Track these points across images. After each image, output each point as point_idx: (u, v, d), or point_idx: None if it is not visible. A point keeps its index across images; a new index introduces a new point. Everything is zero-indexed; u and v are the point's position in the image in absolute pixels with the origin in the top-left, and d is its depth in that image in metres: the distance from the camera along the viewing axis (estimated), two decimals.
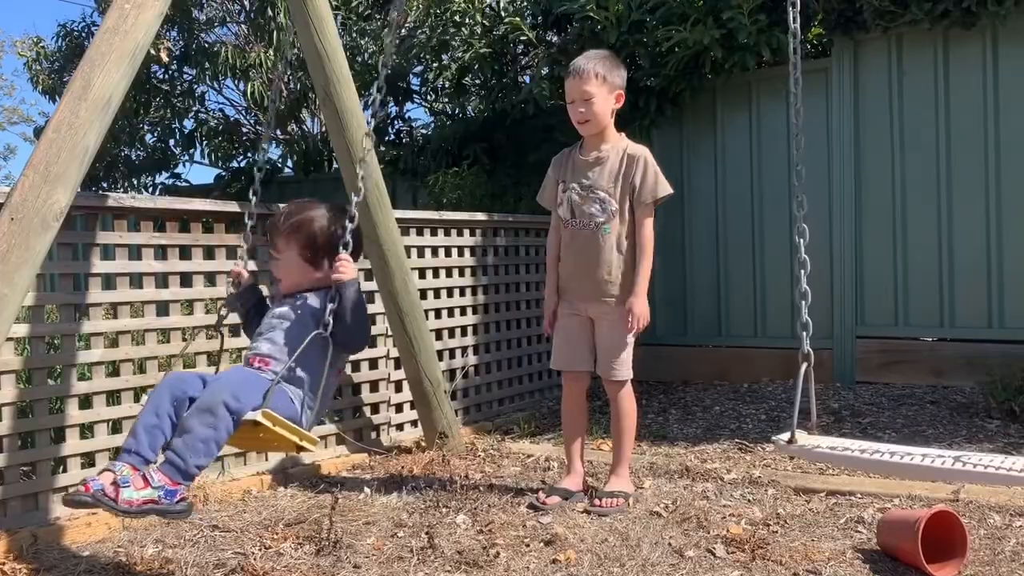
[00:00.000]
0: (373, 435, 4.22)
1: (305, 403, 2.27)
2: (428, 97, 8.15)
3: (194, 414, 2.01)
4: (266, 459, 3.74)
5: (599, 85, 3.09)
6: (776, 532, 2.84)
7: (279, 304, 2.44)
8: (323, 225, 2.43)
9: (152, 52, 2.43)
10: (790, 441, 2.05)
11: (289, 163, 9.54)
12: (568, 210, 3.21)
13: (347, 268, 2.30)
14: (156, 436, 2.06)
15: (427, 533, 2.87)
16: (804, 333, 2.09)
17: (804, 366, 2.06)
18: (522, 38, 5.97)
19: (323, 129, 9.01)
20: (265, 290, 2.82)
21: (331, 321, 2.21)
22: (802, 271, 2.15)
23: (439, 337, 4.52)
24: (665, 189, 3.14)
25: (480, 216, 4.95)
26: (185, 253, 3.52)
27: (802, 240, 2.16)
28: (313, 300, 2.36)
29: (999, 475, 1.80)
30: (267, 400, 2.09)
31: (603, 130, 3.17)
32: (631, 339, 3.20)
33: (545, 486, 3.39)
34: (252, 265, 2.96)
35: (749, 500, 3.20)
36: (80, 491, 1.93)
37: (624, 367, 3.19)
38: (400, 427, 4.37)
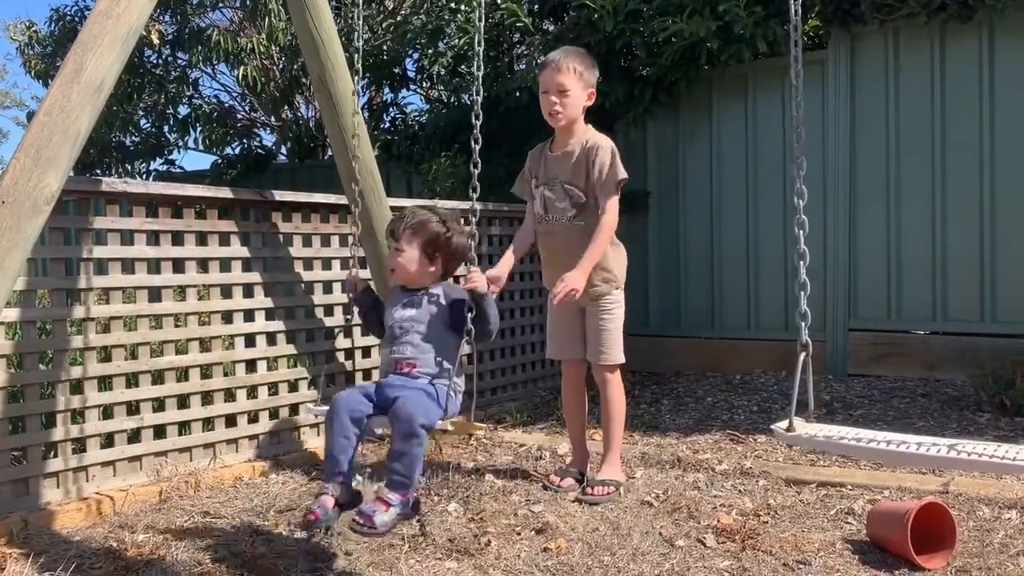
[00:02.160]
0: None
1: (456, 391, 2.60)
2: (423, 84, 8.12)
3: (401, 439, 2.32)
4: (257, 445, 3.74)
5: (575, 80, 3.10)
6: (766, 523, 2.86)
7: (399, 305, 2.64)
8: (442, 228, 2.69)
9: (144, 35, 2.41)
10: (788, 429, 2.06)
11: (283, 150, 9.50)
12: (542, 206, 3.23)
13: (480, 279, 2.55)
14: (348, 454, 2.43)
15: (418, 521, 2.87)
16: (803, 323, 2.10)
17: (803, 355, 2.07)
18: (518, 24, 5.94)
19: (317, 115, 8.98)
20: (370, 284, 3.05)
21: (473, 328, 2.50)
22: (801, 262, 2.15)
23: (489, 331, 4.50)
24: (619, 174, 3.10)
25: (475, 205, 4.93)
26: (178, 239, 3.51)
27: (802, 232, 2.16)
28: (431, 300, 2.61)
29: (998, 464, 1.81)
30: (447, 410, 2.49)
31: (572, 124, 3.17)
32: (619, 324, 3.21)
33: (559, 469, 3.42)
34: (364, 273, 3.18)
35: (740, 491, 3.21)
36: (355, 522, 2.27)
37: (613, 351, 3.21)
38: None
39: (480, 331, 2.53)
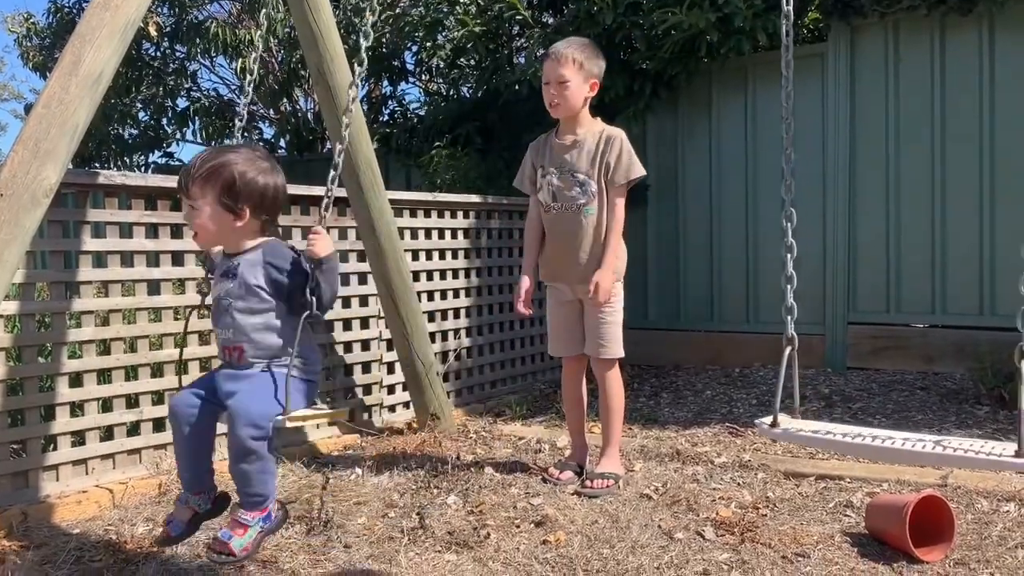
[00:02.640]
0: (365, 416, 4.21)
1: (304, 375, 2.19)
2: (423, 77, 8.10)
3: (236, 460, 2.05)
4: None
5: (575, 71, 3.10)
6: (765, 515, 2.86)
7: (218, 275, 2.19)
8: (241, 169, 2.10)
9: (141, 27, 2.40)
10: (772, 424, 2.06)
11: (282, 142, 9.48)
12: (549, 194, 3.22)
13: (322, 242, 2.09)
14: (197, 462, 2.22)
15: (418, 514, 2.87)
16: (789, 317, 2.10)
17: (788, 350, 2.07)
18: (517, 18, 5.92)
19: (315, 107, 8.96)
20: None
21: (314, 301, 2.07)
22: (788, 255, 2.15)
23: (432, 319, 4.52)
24: (638, 171, 3.15)
25: (474, 198, 4.94)
26: (177, 232, 3.50)
27: (790, 224, 2.16)
28: (247, 270, 2.11)
29: (978, 459, 1.82)
30: (287, 404, 2.07)
31: (576, 115, 3.17)
32: (618, 318, 3.22)
33: (558, 462, 3.43)
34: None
35: (739, 484, 3.22)
36: (211, 550, 2.07)
37: (613, 345, 3.21)
38: (392, 408, 4.37)
39: (322, 304, 2.08)
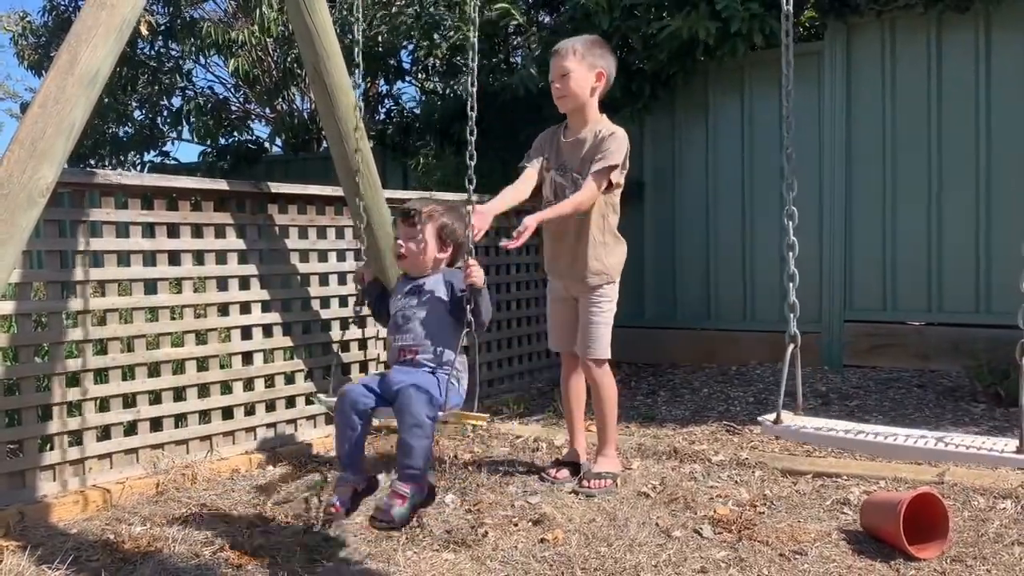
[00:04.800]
0: None
1: (459, 380, 2.58)
2: (419, 76, 8.09)
3: (405, 431, 2.36)
4: (254, 438, 3.74)
5: (577, 61, 3.10)
6: (763, 513, 2.87)
7: (402, 294, 2.66)
8: (451, 219, 2.67)
9: (134, 25, 2.40)
10: (776, 421, 2.07)
11: (278, 141, 9.46)
12: (551, 191, 3.23)
13: (479, 274, 2.49)
14: (356, 445, 2.50)
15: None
16: (791, 315, 2.11)
17: (791, 347, 2.07)
18: (513, 23, 5.94)
19: (312, 106, 8.95)
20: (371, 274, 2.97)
21: (472, 320, 2.46)
22: (790, 254, 2.16)
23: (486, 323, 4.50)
24: (614, 159, 3.06)
25: (471, 198, 4.92)
26: (173, 231, 3.50)
27: (791, 223, 2.17)
28: (433, 288, 2.59)
29: (981, 455, 1.83)
30: (447, 400, 2.46)
31: (584, 109, 3.16)
32: (608, 319, 3.21)
33: (555, 460, 3.43)
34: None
35: (736, 481, 3.22)
36: (374, 518, 2.34)
37: (599, 346, 3.21)
38: None
39: (476, 324, 2.51)
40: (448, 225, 2.64)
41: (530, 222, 2.91)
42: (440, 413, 2.40)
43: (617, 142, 3.10)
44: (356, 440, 2.49)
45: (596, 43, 3.17)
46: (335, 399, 2.54)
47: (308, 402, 3.95)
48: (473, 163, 2.63)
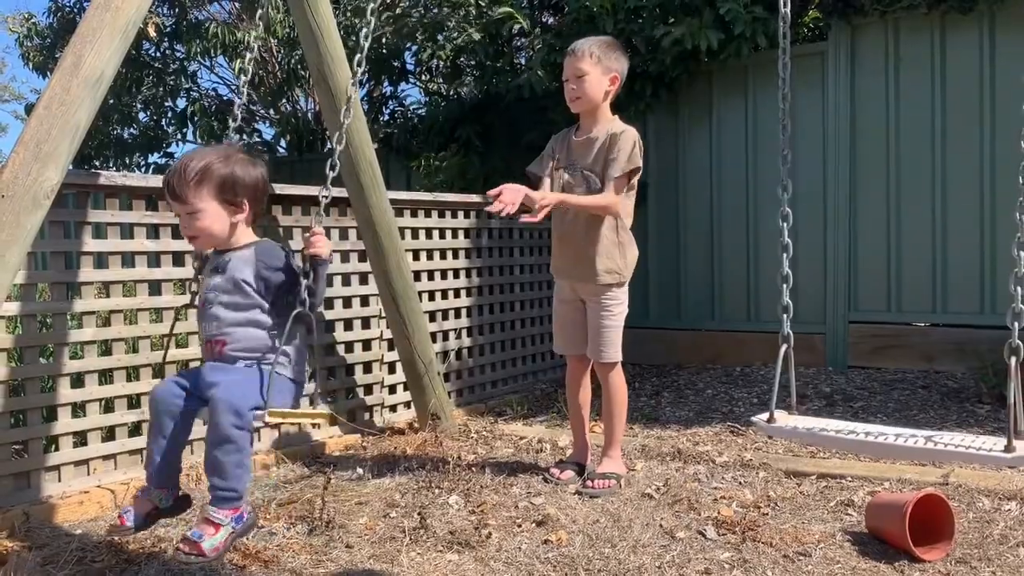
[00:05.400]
0: (366, 416, 4.22)
1: (295, 376, 2.19)
2: (423, 77, 8.10)
3: (213, 446, 2.00)
4: (258, 439, 3.74)
5: (593, 64, 3.10)
6: (767, 514, 2.86)
7: (208, 270, 2.19)
8: (227, 167, 2.12)
9: (140, 27, 2.40)
10: (769, 420, 2.07)
11: (282, 142, 9.48)
12: (559, 189, 3.23)
13: (323, 243, 2.10)
14: (169, 454, 2.13)
15: (419, 514, 2.88)
16: (785, 316, 2.12)
17: (784, 347, 2.08)
18: (516, 26, 5.95)
19: (316, 107, 8.96)
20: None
21: (307, 299, 2.06)
22: (784, 255, 2.16)
23: (432, 319, 4.52)
24: (634, 163, 3.08)
25: (475, 198, 4.94)
26: (177, 232, 3.49)
27: (785, 224, 2.18)
28: (238, 265, 2.11)
29: (968, 454, 1.84)
30: (268, 398, 2.04)
31: (596, 111, 3.17)
32: (619, 321, 3.21)
33: (559, 461, 3.43)
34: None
35: (740, 483, 3.22)
36: (179, 550, 1.99)
37: (611, 349, 3.21)
38: (393, 408, 4.37)
39: (311, 303, 2.07)
40: (228, 176, 2.09)
41: (552, 199, 2.94)
42: (261, 414, 2.02)
43: (632, 143, 3.11)
44: (167, 448, 2.11)
45: (612, 46, 3.18)
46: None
47: (312, 403, 3.94)
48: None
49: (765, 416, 2.09)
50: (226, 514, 2.01)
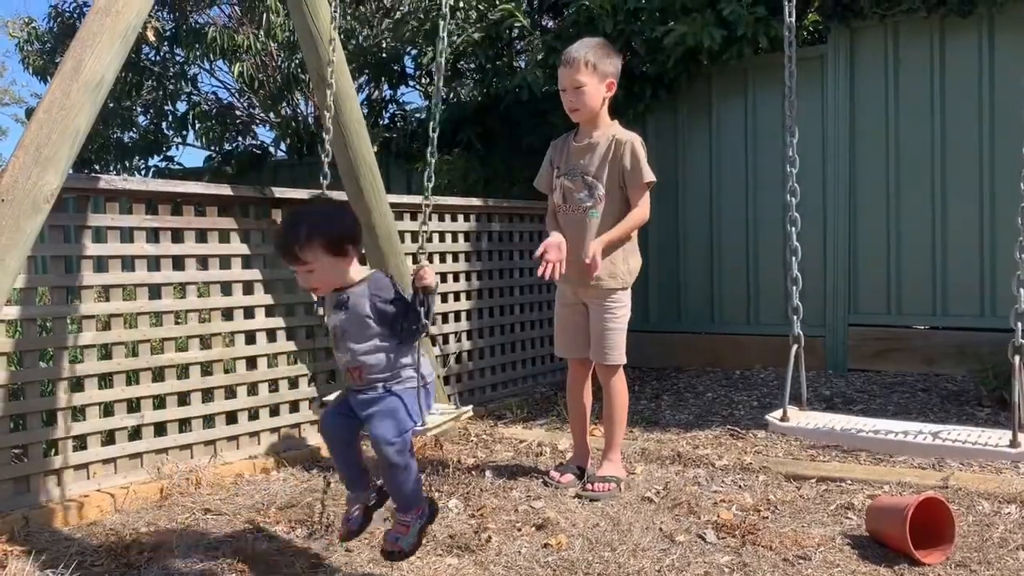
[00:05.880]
0: None
1: (427, 384, 2.41)
2: (423, 80, 8.10)
3: (385, 473, 2.33)
4: (258, 443, 3.74)
5: (590, 74, 3.10)
6: (767, 518, 2.86)
7: (332, 306, 2.41)
8: (335, 217, 2.42)
9: (140, 31, 2.42)
10: (783, 419, 2.08)
11: (282, 146, 9.48)
12: (560, 196, 3.24)
13: (431, 276, 2.34)
14: (354, 465, 2.48)
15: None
16: (795, 317, 2.13)
17: (795, 348, 2.10)
18: (516, 25, 5.95)
19: (316, 111, 8.96)
20: None
21: (423, 323, 2.31)
22: (793, 258, 2.18)
23: (432, 322, 4.51)
24: (649, 176, 3.18)
25: (475, 201, 4.94)
26: (178, 236, 3.51)
27: (794, 228, 2.19)
28: (356, 303, 2.35)
29: (975, 449, 1.84)
30: (421, 412, 2.33)
31: (595, 117, 3.18)
32: (622, 324, 3.22)
33: (559, 465, 3.43)
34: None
35: (740, 486, 3.22)
36: (384, 552, 2.39)
37: (615, 352, 3.21)
38: None
39: (421, 326, 2.32)
40: (331, 235, 2.31)
41: (596, 247, 3.01)
42: (418, 427, 2.32)
43: (644, 153, 3.17)
44: (350, 461, 2.46)
45: (605, 50, 3.18)
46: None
47: (312, 406, 3.95)
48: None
49: (778, 415, 2.10)
50: (412, 516, 2.37)
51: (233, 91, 9.70)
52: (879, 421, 2.10)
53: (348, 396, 2.42)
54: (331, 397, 2.56)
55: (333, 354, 2.51)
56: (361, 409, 2.34)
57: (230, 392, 3.67)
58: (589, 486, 3.17)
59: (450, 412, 2.48)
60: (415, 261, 4.39)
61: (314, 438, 3.93)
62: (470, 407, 2.58)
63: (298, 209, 2.57)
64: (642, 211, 3.19)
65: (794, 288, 2.17)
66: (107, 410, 3.26)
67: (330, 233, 2.30)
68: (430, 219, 4.57)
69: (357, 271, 2.39)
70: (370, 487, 2.49)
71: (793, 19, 2.17)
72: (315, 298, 2.65)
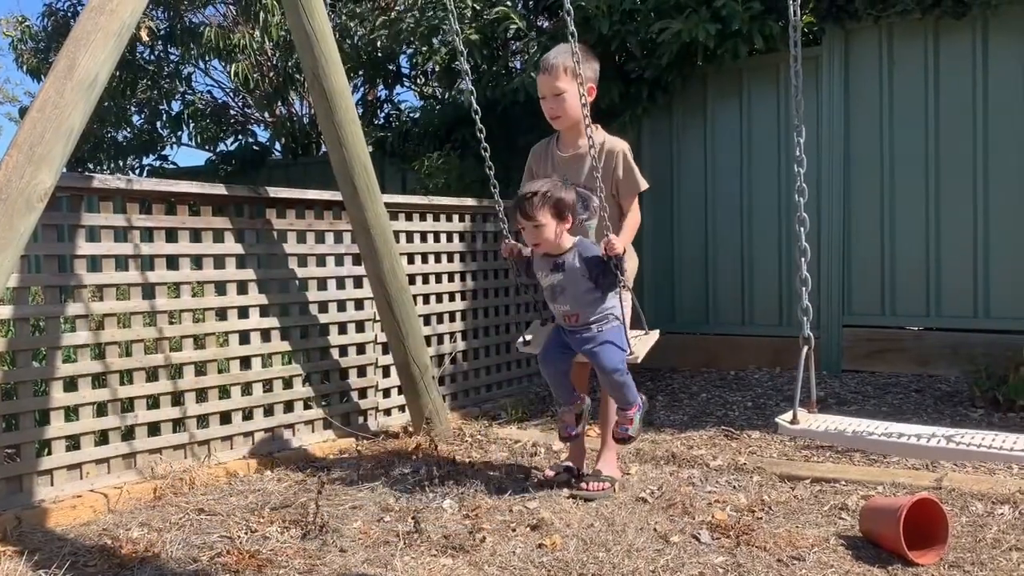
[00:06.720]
0: (360, 420, 4.21)
1: (624, 323, 3.05)
2: (418, 80, 8.10)
3: (611, 391, 3.08)
4: (252, 442, 3.73)
5: (569, 81, 3.09)
6: (761, 519, 2.86)
7: (547, 271, 3.02)
8: (556, 192, 2.96)
9: (134, 31, 2.42)
10: (793, 421, 2.07)
11: (277, 145, 9.47)
12: None
13: (619, 244, 2.90)
14: (566, 386, 3.17)
15: (413, 518, 2.87)
16: (805, 318, 2.13)
17: (805, 349, 2.09)
18: (512, 26, 5.94)
19: (311, 111, 8.95)
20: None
21: (622, 278, 2.96)
22: (803, 259, 2.18)
23: (427, 322, 4.52)
24: (643, 185, 3.20)
25: (469, 201, 4.94)
26: (172, 236, 3.50)
27: (803, 229, 2.18)
28: (573, 264, 2.97)
29: (991, 454, 1.83)
30: (628, 346, 3.01)
31: (577, 123, 3.16)
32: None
33: (553, 465, 3.43)
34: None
35: (734, 487, 3.22)
36: (616, 438, 3.12)
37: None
38: (388, 412, 4.37)
39: (617, 283, 2.96)
40: (559, 199, 2.93)
41: (619, 245, 3.00)
42: (632, 358, 3.00)
43: (630, 161, 3.17)
44: (565, 384, 3.14)
45: (584, 56, 3.16)
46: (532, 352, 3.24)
47: (307, 406, 3.95)
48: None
49: (788, 417, 2.10)
50: (633, 411, 3.06)
51: (228, 90, 9.69)
52: (891, 424, 2.09)
53: (563, 336, 3.06)
54: (529, 337, 3.27)
55: (549, 306, 3.11)
56: (580, 346, 3.01)
57: (224, 392, 3.66)
58: (583, 484, 3.17)
59: (645, 339, 3.14)
60: (411, 261, 4.41)
61: (307, 438, 3.92)
62: (658, 330, 3.24)
63: (536, 182, 3.10)
64: (636, 216, 3.22)
65: (804, 289, 2.16)
66: (100, 410, 3.25)
67: (559, 201, 2.93)
68: (424, 219, 4.59)
69: (567, 239, 2.99)
70: (578, 399, 3.16)
71: (799, 17, 2.17)
72: (514, 271, 3.21)
